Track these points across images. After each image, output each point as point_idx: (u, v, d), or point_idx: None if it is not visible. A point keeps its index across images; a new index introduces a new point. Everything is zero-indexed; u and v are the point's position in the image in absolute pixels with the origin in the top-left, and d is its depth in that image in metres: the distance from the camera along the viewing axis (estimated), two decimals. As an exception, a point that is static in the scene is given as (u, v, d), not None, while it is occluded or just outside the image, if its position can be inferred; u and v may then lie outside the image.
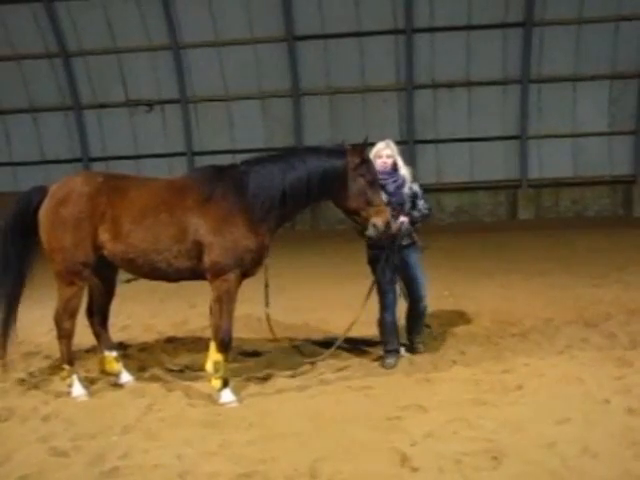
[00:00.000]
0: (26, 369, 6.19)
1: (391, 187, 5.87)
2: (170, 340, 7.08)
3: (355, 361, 6.13)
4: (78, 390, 5.35)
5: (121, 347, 6.78)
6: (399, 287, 6.15)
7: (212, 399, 5.17)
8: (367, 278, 6.19)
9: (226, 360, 5.21)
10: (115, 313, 8.50)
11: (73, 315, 5.36)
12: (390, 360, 5.99)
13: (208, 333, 7.34)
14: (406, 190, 5.98)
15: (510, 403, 4.88)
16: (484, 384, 5.31)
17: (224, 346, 5.16)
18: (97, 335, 5.82)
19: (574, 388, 5.11)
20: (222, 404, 5.09)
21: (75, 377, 5.42)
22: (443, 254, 10.80)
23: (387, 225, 5.21)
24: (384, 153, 6.02)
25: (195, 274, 5.23)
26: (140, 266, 5.22)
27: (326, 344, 6.44)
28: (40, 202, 5.34)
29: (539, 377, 5.40)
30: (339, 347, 6.21)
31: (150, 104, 20.56)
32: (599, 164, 19.97)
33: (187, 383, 5.62)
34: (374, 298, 6.06)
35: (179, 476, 3.93)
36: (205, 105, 20.40)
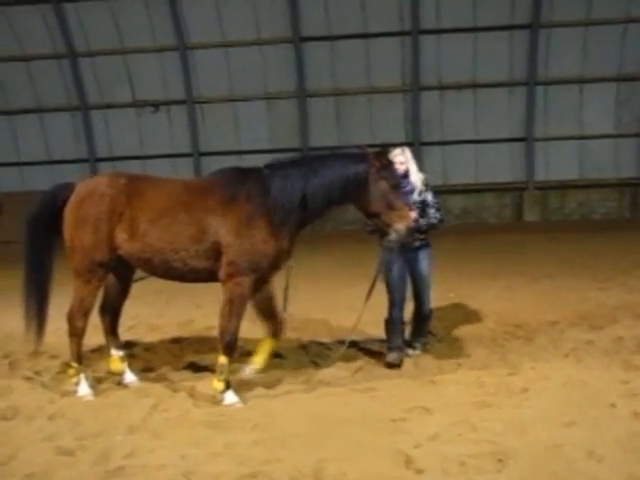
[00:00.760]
0: (32, 368, 6.21)
1: None
2: (176, 340, 7.09)
3: (360, 362, 6.12)
4: (84, 389, 5.37)
5: (127, 347, 6.80)
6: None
7: (217, 400, 5.17)
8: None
9: (230, 362, 5.22)
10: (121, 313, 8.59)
11: (87, 314, 5.40)
12: (392, 355, 6.01)
13: (213, 333, 7.41)
14: (415, 197, 5.98)
15: (515, 406, 4.87)
16: (489, 386, 5.30)
17: (229, 348, 5.17)
18: (107, 333, 5.83)
19: (579, 391, 5.09)
20: (226, 405, 5.09)
21: (82, 376, 5.43)
22: (448, 256, 10.78)
23: (409, 230, 5.21)
24: (397, 160, 5.98)
25: (212, 275, 5.22)
26: (156, 266, 5.24)
27: (333, 345, 6.45)
28: (66, 199, 5.40)
29: (544, 380, 5.39)
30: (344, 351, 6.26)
31: (156, 105, 20.61)
32: (605, 166, 19.92)
33: (192, 383, 5.62)
34: (377, 297, 6.05)
35: (184, 476, 3.93)
36: (211, 106, 20.45)
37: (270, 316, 5.56)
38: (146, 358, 6.47)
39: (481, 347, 6.46)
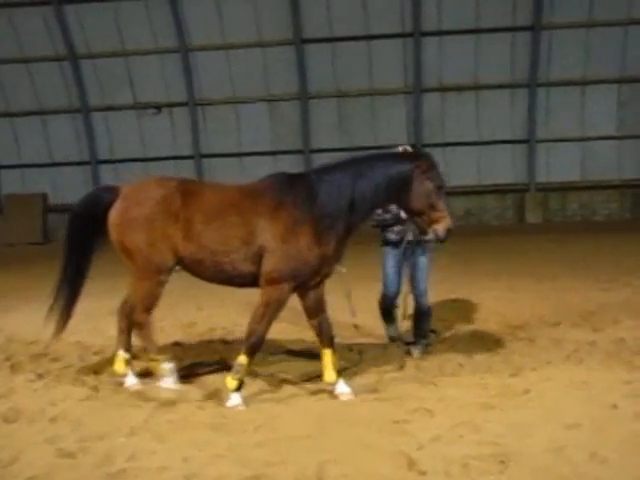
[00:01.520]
0: (34, 370, 6.20)
1: None
2: (178, 343, 7.09)
3: (363, 364, 6.12)
4: (169, 381, 5.35)
5: (129, 349, 6.80)
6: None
7: (221, 399, 5.16)
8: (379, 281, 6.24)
9: (249, 364, 5.20)
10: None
11: (149, 310, 5.40)
12: (390, 329, 6.66)
13: (215, 335, 7.41)
14: None
15: (517, 407, 4.86)
16: (491, 388, 5.29)
17: (253, 350, 5.16)
18: (121, 332, 5.77)
19: (582, 393, 5.09)
20: (229, 407, 5.09)
21: (170, 366, 5.38)
22: (450, 257, 10.77)
23: (447, 232, 5.25)
24: None
25: (257, 280, 5.19)
26: (207, 268, 5.24)
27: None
28: (111, 202, 5.39)
29: (547, 381, 5.38)
30: (348, 350, 6.27)
31: (158, 106, 20.65)
32: (607, 168, 19.94)
33: (195, 386, 5.62)
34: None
35: (186, 478, 3.92)
36: (213, 108, 20.49)
37: (320, 322, 5.47)
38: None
39: (483, 348, 6.45)
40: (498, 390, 5.23)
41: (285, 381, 5.71)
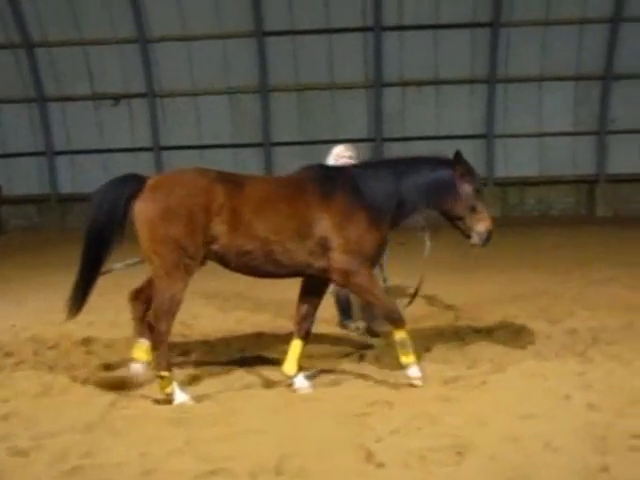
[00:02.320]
0: (-14, 366, 6.06)
1: None
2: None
3: (321, 358, 6.13)
4: (181, 397, 5.05)
5: (85, 344, 6.69)
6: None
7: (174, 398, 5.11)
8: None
9: (408, 334, 5.24)
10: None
11: (174, 315, 5.04)
12: (349, 322, 6.99)
13: (174, 328, 7.31)
14: None
15: (474, 399, 4.92)
16: (449, 380, 5.35)
17: (400, 321, 5.20)
18: (137, 320, 5.43)
19: (537, 384, 5.17)
20: (412, 378, 5.19)
21: (175, 384, 5.11)
22: (410, 251, 10.84)
23: (489, 233, 5.36)
24: (347, 154, 6.49)
25: (306, 269, 5.18)
26: (255, 258, 5.05)
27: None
28: (135, 191, 5.05)
29: (503, 373, 5.46)
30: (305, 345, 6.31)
31: (116, 98, 20.31)
32: (564, 164, 20.33)
33: (152, 380, 5.56)
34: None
35: (143, 474, 3.87)
36: (172, 100, 20.26)
37: (307, 311, 5.47)
38: (105, 355, 6.37)
39: (442, 341, 6.51)
40: (456, 382, 5.29)
41: (245, 375, 5.69)
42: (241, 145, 20.51)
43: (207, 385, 5.34)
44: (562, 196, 20.61)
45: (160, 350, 5.03)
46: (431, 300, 8.24)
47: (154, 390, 5.29)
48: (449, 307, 7.92)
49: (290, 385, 5.31)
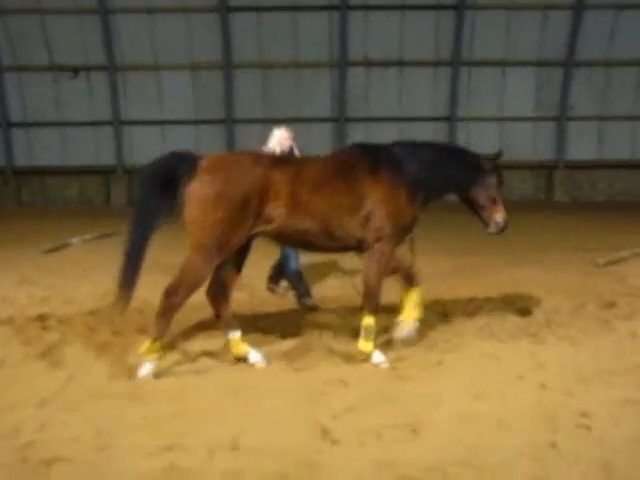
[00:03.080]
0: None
1: None
2: (92, 312, 6.90)
3: (278, 336, 6.14)
4: (146, 370, 5.05)
5: (40, 319, 6.58)
6: None
7: (132, 373, 5.07)
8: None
9: (376, 323, 5.45)
10: (34, 284, 8.30)
11: (191, 291, 5.06)
12: (306, 299, 7.21)
13: (133, 305, 7.22)
14: None
15: (429, 378, 5.00)
16: (405, 360, 5.42)
17: (375, 308, 5.48)
18: (220, 315, 5.51)
19: (491, 364, 5.29)
20: (375, 364, 5.31)
21: (156, 357, 5.13)
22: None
23: (506, 222, 5.86)
24: (288, 135, 7.01)
25: (357, 243, 5.44)
26: (312, 234, 5.28)
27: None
28: (186, 171, 5.04)
29: (458, 353, 5.56)
30: (261, 324, 6.34)
31: (76, 70, 19.84)
32: (524, 148, 20.60)
33: (108, 356, 5.51)
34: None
35: (98, 449, 3.86)
36: (134, 73, 19.88)
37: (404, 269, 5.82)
38: (61, 331, 6.28)
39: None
40: (412, 361, 5.37)
41: (201, 352, 5.67)
42: (203, 121, 20.28)
43: (163, 362, 5.31)
44: (521, 180, 20.88)
45: (165, 317, 5.07)
46: (390, 280, 8.28)
47: (110, 366, 5.26)
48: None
49: (246, 361, 5.34)
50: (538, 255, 10.36)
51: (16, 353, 5.60)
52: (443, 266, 9.51)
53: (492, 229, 5.91)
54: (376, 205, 5.33)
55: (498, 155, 5.97)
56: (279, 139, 6.95)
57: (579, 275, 8.75)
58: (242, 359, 5.42)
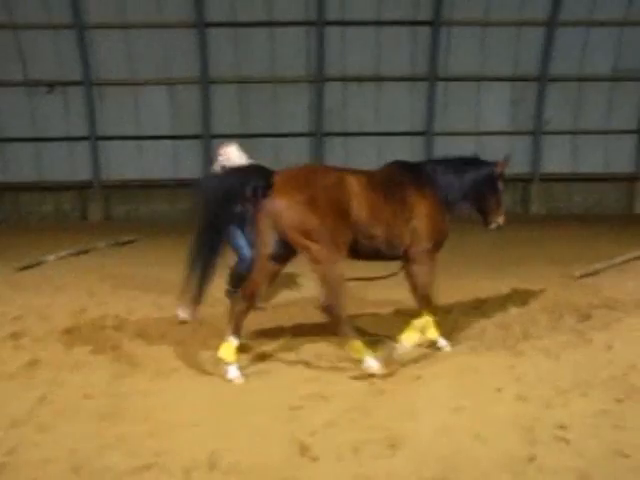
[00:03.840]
0: None
1: None
2: (67, 330, 6.79)
3: (254, 351, 6.09)
4: (373, 363, 5.37)
5: (14, 338, 6.48)
6: None
7: (109, 391, 5.00)
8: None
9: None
10: (7, 302, 8.17)
11: (342, 295, 5.35)
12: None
13: (109, 322, 7.14)
14: None
15: (408, 392, 5.00)
16: (384, 374, 5.40)
17: (432, 305, 6.03)
18: (238, 319, 5.42)
19: (469, 377, 5.29)
20: (442, 347, 6.06)
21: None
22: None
23: (505, 223, 6.50)
24: (238, 153, 7.11)
25: (401, 253, 5.84)
26: (379, 241, 5.60)
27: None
28: (263, 186, 5.15)
29: (436, 367, 5.56)
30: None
31: (51, 85, 19.69)
32: (499, 162, 20.70)
33: (83, 374, 5.43)
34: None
35: (72, 471, 3.79)
36: (110, 88, 19.73)
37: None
38: (34, 349, 6.18)
39: (378, 335, 6.56)
40: (389, 376, 5.35)
41: (177, 368, 5.61)
42: (180, 137, 20.20)
43: (138, 379, 5.24)
44: (498, 194, 21.00)
45: (345, 324, 5.37)
46: (369, 294, 8.30)
47: (84, 383, 5.18)
48: (386, 302, 7.98)
49: (223, 376, 5.27)
50: (515, 268, 10.42)
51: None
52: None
53: (493, 227, 6.52)
54: (422, 218, 5.75)
55: (506, 160, 6.38)
56: (234, 156, 7.02)
57: (555, 287, 8.81)
58: (223, 365, 5.35)
